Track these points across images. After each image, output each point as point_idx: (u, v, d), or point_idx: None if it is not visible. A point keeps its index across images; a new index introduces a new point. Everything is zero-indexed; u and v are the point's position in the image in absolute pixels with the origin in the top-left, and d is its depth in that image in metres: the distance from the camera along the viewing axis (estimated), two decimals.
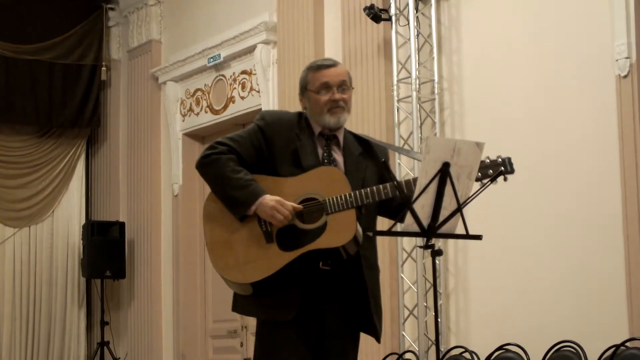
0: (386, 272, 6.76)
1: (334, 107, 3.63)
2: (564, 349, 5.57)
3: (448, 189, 3.39)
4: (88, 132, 10.30)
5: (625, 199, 5.61)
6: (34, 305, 9.81)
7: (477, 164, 3.46)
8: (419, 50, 6.85)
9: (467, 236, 3.50)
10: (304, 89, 3.71)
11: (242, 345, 8.52)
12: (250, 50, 8.40)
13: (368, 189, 3.49)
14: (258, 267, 3.47)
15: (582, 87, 5.96)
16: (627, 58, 5.64)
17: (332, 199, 3.47)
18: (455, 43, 6.81)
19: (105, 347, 9.32)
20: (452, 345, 6.46)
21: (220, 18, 8.88)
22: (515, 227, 6.28)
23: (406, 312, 6.73)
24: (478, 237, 3.54)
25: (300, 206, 3.50)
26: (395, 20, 6.91)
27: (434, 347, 6.37)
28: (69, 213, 10.08)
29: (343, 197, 3.47)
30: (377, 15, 6.83)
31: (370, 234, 3.54)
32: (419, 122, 6.80)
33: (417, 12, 6.87)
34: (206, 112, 9.08)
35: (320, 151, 3.65)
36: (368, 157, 3.71)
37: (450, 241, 6.52)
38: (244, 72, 8.62)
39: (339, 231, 3.45)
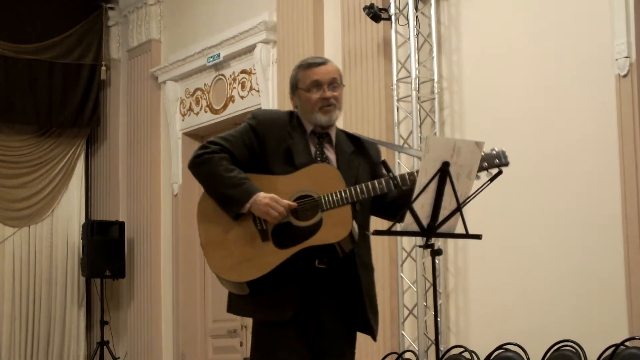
0: (386, 272, 6.76)
1: (325, 105, 3.61)
2: (564, 349, 5.57)
3: (448, 188, 3.39)
4: (88, 131, 10.30)
5: (625, 198, 5.61)
6: (33, 305, 9.81)
7: (476, 163, 3.46)
8: (418, 49, 6.85)
9: (467, 236, 3.50)
10: (294, 87, 3.70)
11: (241, 344, 8.52)
12: (250, 49, 8.40)
13: (363, 184, 3.49)
14: (254, 266, 3.46)
15: (582, 86, 5.96)
16: (626, 57, 5.64)
17: (327, 195, 3.46)
18: (455, 42, 6.81)
19: (104, 347, 9.32)
20: (452, 344, 6.46)
21: (220, 17, 8.88)
22: (515, 227, 6.28)
23: (406, 312, 6.73)
24: (478, 237, 3.54)
25: (294, 203, 3.49)
26: (395, 20, 6.91)
27: (433, 347, 6.36)
28: (69, 212, 10.08)
29: (338, 193, 3.46)
30: (376, 14, 6.83)
31: (371, 233, 3.53)
32: (419, 122, 6.80)
33: (416, 11, 6.87)
34: (206, 111, 9.08)
35: (312, 149, 3.63)
36: (360, 155, 3.70)
37: (450, 241, 6.52)
38: (243, 72, 8.63)
39: (335, 227, 3.44)
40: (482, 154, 3.53)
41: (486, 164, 3.54)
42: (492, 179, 3.50)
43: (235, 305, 3.62)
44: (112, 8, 10.17)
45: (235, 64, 8.71)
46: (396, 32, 6.93)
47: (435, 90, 6.81)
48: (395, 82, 6.91)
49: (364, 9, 6.87)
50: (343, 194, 3.46)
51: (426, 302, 6.63)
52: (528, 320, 6.08)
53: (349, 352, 3.63)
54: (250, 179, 3.53)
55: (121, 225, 9.63)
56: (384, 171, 3.57)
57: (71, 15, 9.99)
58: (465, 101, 6.73)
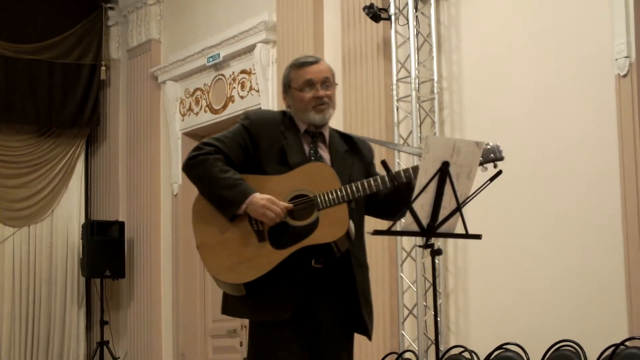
0: (386, 272, 6.76)
1: (318, 104, 3.60)
2: (564, 349, 5.57)
3: (447, 188, 3.38)
4: (87, 131, 10.30)
5: (624, 198, 5.60)
6: (33, 305, 9.80)
7: (476, 163, 3.46)
8: (418, 49, 6.85)
9: (467, 236, 3.49)
10: (287, 87, 3.69)
11: (241, 344, 8.52)
12: (250, 49, 8.40)
13: (358, 182, 3.47)
14: (252, 267, 3.43)
15: (581, 86, 5.95)
16: (626, 57, 5.64)
17: (323, 194, 3.44)
18: (454, 42, 6.81)
19: (104, 347, 9.32)
20: (452, 344, 6.46)
21: (219, 17, 8.88)
22: (515, 227, 6.28)
23: (406, 312, 6.73)
24: (477, 237, 3.54)
25: (291, 205, 3.47)
26: (395, 20, 6.91)
27: (433, 347, 6.36)
28: (69, 212, 10.08)
29: (334, 192, 3.44)
30: (376, 14, 6.83)
31: (371, 233, 3.51)
32: (419, 122, 6.80)
33: (416, 11, 6.87)
34: (205, 111, 9.08)
35: (306, 148, 3.61)
36: (354, 155, 3.69)
37: (450, 241, 6.52)
38: (243, 72, 8.63)
39: (332, 226, 3.42)
40: None
41: (481, 158, 3.54)
42: (492, 179, 3.49)
43: (231, 306, 3.59)
44: (111, 8, 10.17)
45: (235, 64, 8.71)
46: (396, 32, 6.93)
47: (435, 90, 6.81)
48: (395, 82, 6.91)
49: (364, 8, 6.86)
50: (339, 193, 3.44)
51: (426, 302, 6.63)
52: (528, 320, 6.08)
53: (347, 352, 3.62)
54: (245, 180, 3.51)
55: (121, 225, 9.63)
56: (385, 170, 3.56)
57: (71, 15, 9.99)
58: (465, 101, 6.73)
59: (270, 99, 8.17)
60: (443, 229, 3.44)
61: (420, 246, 3.76)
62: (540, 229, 6.12)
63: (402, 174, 3.50)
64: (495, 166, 3.57)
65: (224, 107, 8.85)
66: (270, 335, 3.49)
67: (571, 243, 5.93)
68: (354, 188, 3.46)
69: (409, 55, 6.83)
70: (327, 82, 3.64)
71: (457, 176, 3.39)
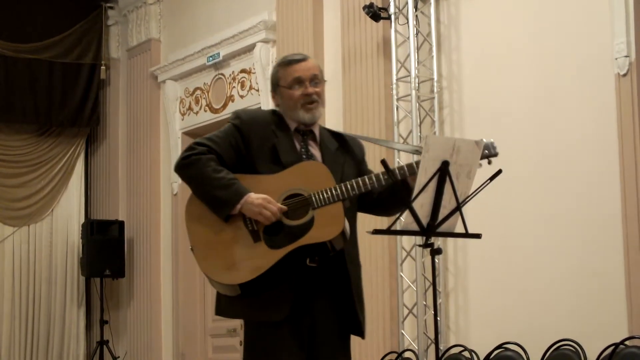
0: (385, 271, 6.76)
1: (308, 102, 3.59)
2: (564, 348, 5.57)
3: (447, 187, 3.38)
4: (87, 131, 10.30)
5: (624, 198, 5.60)
6: (33, 304, 9.81)
7: (476, 162, 3.46)
8: (418, 48, 6.85)
9: (467, 235, 3.49)
10: (275, 85, 3.69)
11: (241, 343, 8.48)
12: (250, 49, 8.41)
13: (353, 181, 3.45)
14: (247, 267, 3.40)
15: (581, 86, 5.95)
16: (626, 57, 5.64)
17: (318, 193, 3.42)
18: (454, 42, 6.81)
19: (104, 346, 9.32)
20: (452, 344, 6.46)
21: (219, 17, 8.88)
22: (515, 227, 6.27)
23: (405, 311, 6.73)
24: (477, 236, 3.54)
25: (285, 207, 3.43)
26: (395, 19, 6.91)
27: (433, 346, 6.36)
28: (69, 212, 10.08)
29: (329, 190, 3.42)
30: (376, 13, 6.83)
31: (371, 232, 3.50)
32: (418, 121, 6.80)
33: (416, 10, 6.87)
34: (205, 110, 9.08)
35: (297, 147, 3.60)
36: (346, 152, 3.67)
37: (450, 240, 6.52)
38: (243, 71, 8.63)
39: (328, 225, 3.40)
40: None
41: None
42: (491, 178, 3.49)
43: (225, 307, 3.56)
44: (111, 7, 10.17)
45: (234, 64, 8.71)
46: (396, 31, 6.93)
47: (435, 90, 6.81)
48: (394, 81, 6.90)
49: (364, 8, 6.86)
50: (334, 191, 3.42)
51: (426, 302, 6.63)
52: (528, 320, 6.08)
53: (343, 350, 3.60)
54: (239, 180, 3.48)
55: (121, 224, 9.63)
56: (385, 169, 3.55)
57: (71, 15, 9.99)
58: (464, 100, 6.73)
59: (270, 99, 8.15)
60: (443, 228, 3.44)
61: (420, 245, 3.75)
62: (540, 229, 6.12)
63: (397, 171, 3.49)
64: (489, 162, 3.56)
65: (224, 106, 8.85)
66: (267, 335, 3.47)
67: (571, 243, 5.93)
68: (348, 186, 3.43)
69: (408, 55, 6.83)
70: (316, 79, 3.63)
71: (457, 175, 3.39)
